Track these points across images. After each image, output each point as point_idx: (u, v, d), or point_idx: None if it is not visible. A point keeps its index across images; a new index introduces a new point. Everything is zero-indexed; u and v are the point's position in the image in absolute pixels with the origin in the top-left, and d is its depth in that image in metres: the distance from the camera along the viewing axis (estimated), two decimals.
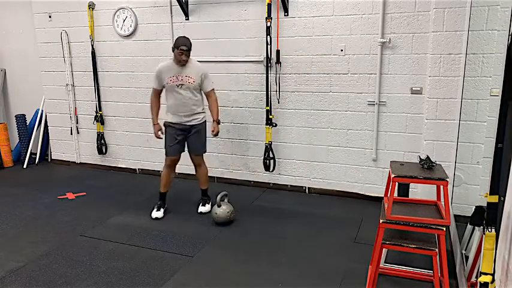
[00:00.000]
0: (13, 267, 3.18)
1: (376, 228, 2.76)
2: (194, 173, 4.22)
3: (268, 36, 4.30)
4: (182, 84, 3.86)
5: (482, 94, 3.57)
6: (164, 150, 4.06)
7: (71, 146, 5.79)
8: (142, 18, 4.97)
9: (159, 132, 4.05)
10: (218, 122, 4.05)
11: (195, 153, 4.08)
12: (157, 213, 4.04)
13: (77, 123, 5.69)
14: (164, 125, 4.02)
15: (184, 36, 3.85)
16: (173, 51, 3.83)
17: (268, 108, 4.50)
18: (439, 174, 2.59)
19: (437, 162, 2.75)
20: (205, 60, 4.72)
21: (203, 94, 4.03)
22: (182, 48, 3.77)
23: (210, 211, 4.02)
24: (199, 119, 4.00)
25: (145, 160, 5.39)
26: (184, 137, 4.00)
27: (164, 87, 3.93)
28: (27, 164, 5.85)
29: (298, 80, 4.42)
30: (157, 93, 4.03)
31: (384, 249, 2.79)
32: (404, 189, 3.30)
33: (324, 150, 4.48)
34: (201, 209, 4.14)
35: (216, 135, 4.04)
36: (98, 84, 5.37)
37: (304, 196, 4.60)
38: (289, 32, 4.35)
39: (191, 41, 3.81)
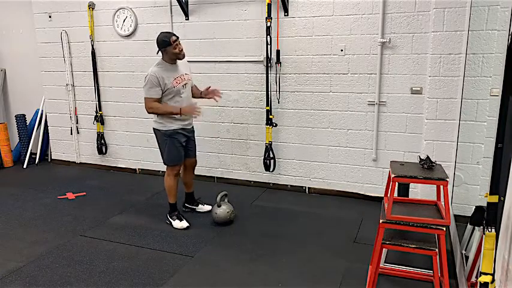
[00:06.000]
0: (13, 267, 3.18)
1: (376, 228, 2.77)
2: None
3: (268, 36, 4.30)
4: (186, 84, 3.64)
5: (482, 94, 3.57)
6: (167, 159, 3.73)
7: (71, 146, 5.79)
8: (142, 18, 4.97)
9: (194, 108, 3.63)
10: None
11: (194, 155, 3.98)
12: (182, 223, 3.78)
13: (77, 123, 5.69)
14: (166, 134, 3.64)
15: (164, 31, 3.62)
16: (163, 50, 3.51)
17: (268, 108, 4.50)
18: (439, 174, 2.59)
19: (437, 162, 2.75)
20: (205, 60, 4.73)
21: None
22: (174, 39, 3.45)
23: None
24: (192, 120, 3.83)
25: (145, 160, 5.39)
26: (186, 142, 3.79)
27: (164, 93, 3.54)
28: (27, 164, 5.85)
29: (298, 80, 4.42)
30: (158, 102, 3.57)
31: (384, 249, 2.79)
32: (404, 189, 3.30)
33: (324, 150, 4.48)
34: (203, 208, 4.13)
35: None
36: (98, 84, 5.37)
37: (304, 196, 4.60)
38: (289, 32, 4.35)
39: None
